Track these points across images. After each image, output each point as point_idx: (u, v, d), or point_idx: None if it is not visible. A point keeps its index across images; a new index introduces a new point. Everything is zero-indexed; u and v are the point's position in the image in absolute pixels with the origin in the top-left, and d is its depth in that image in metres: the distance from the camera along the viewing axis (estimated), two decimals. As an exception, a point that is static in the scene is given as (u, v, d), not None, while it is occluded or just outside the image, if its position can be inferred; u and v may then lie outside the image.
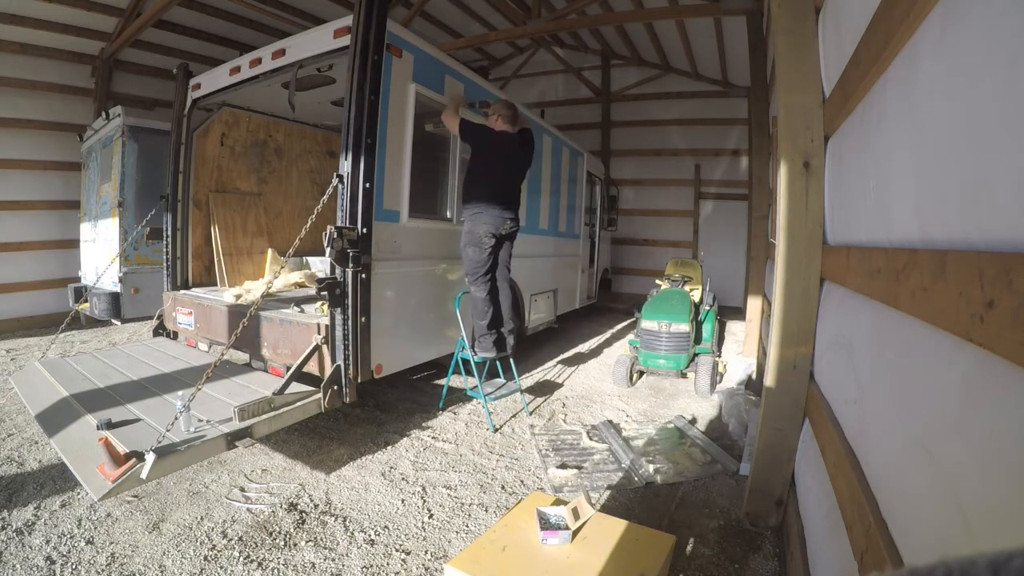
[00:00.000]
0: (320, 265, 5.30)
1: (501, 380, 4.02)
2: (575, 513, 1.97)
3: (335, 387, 2.88)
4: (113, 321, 5.71)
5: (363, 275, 2.96)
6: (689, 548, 2.27)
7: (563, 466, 2.97)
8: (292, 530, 2.30)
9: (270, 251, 4.99)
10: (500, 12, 8.10)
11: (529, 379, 4.79)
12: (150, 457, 2.03)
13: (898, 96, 1.26)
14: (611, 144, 10.17)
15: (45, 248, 6.59)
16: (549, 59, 10.40)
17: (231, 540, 2.21)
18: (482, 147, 3.56)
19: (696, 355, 4.70)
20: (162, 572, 2.00)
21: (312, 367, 3.05)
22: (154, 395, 2.85)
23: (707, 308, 5.28)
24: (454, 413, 3.85)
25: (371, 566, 2.08)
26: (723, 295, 7.10)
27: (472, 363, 3.68)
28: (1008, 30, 0.76)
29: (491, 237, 3.54)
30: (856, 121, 1.67)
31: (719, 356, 5.30)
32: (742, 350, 5.91)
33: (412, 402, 4.07)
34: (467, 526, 2.40)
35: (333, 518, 2.42)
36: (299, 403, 2.75)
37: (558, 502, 2.10)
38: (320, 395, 2.81)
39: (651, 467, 2.95)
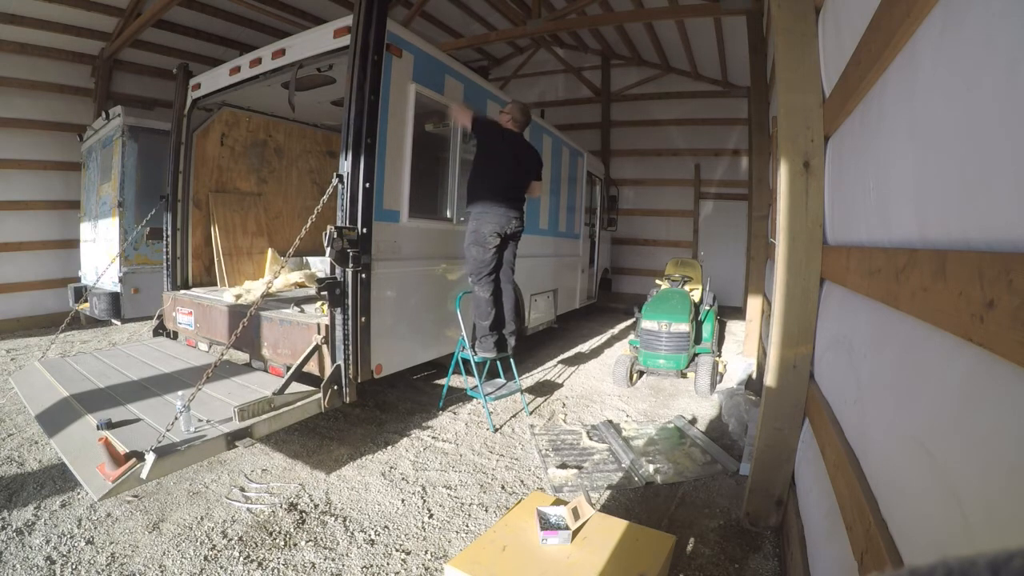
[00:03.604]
0: (320, 265, 5.30)
1: (501, 380, 4.02)
2: (575, 513, 1.97)
3: (335, 387, 2.88)
4: (113, 321, 5.71)
5: (363, 275, 2.96)
6: (689, 548, 2.27)
7: (563, 466, 2.97)
8: (292, 530, 2.30)
9: (270, 251, 4.99)
10: (500, 12, 8.10)
11: (529, 379, 4.80)
12: (150, 457, 2.03)
13: (898, 96, 1.26)
14: (611, 144, 10.18)
15: (45, 248, 6.60)
16: (549, 59, 10.40)
17: (231, 540, 2.21)
18: (494, 142, 3.52)
19: (696, 355, 4.70)
20: (162, 572, 2.00)
21: (312, 367, 3.05)
22: (154, 395, 2.85)
23: (707, 308, 5.28)
24: (454, 413, 3.85)
25: (371, 566, 2.08)
26: (723, 295, 7.10)
27: (472, 363, 3.68)
28: (1008, 30, 0.76)
29: (496, 236, 3.53)
30: (856, 121, 1.67)
31: (719, 356, 5.29)
32: (742, 350, 5.91)
33: (412, 402, 4.07)
34: (467, 526, 2.40)
35: (333, 518, 2.42)
36: (299, 403, 2.75)
37: (558, 502, 2.10)
38: (320, 395, 2.81)
39: (651, 467, 2.95)
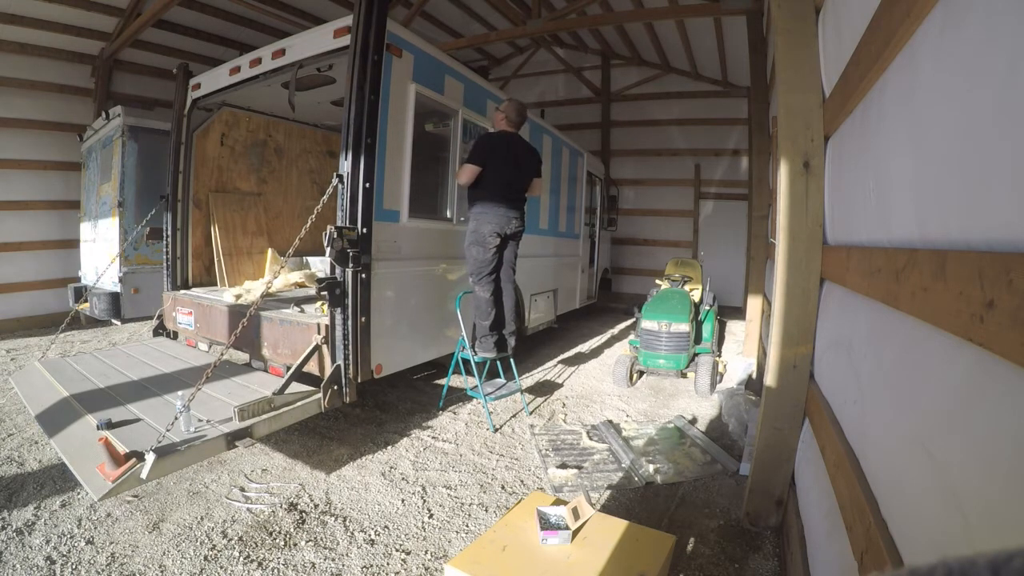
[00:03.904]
0: (320, 265, 5.30)
1: (501, 380, 4.02)
2: (575, 513, 1.97)
3: (335, 387, 2.88)
4: (113, 321, 5.71)
5: (363, 275, 2.96)
6: (689, 548, 2.27)
7: (563, 466, 2.97)
8: (292, 530, 2.30)
9: (270, 251, 4.99)
10: (500, 12, 8.10)
11: (529, 379, 4.80)
12: (150, 457, 2.03)
13: (898, 96, 1.26)
14: (611, 144, 10.18)
15: (45, 248, 6.59)
16: (549, 59, 10.40)
17: (231, 540, 2.21)
18: (488, 155, 3.52)
19: (696, 355, 4.70)
20: (162, 572, 2.00)
21: (312, 367, 3.05)
22: (154, 395, 2.85)
23: (707, 308, 5.28)
24: (454, 413, 3.85)
25: (371, 566, 2.08)
26: (723, 295, 7.10)
27: (472, 363, 3.68)
28: (1008, 30, 0.76)
29: (496, 237, 3.53)
30: (856, 121, 1.67)
31: (719, 356, 5.30)
32: (742, 350, 5.91)
33: (412, 402, 4.07)
34: (467, 526, 2.40)
35: (333, 518, 2.42)
36: (299, 403, 2.75)
37: (558, 502, 2.10)
38: (320, 395, 2.81)
39: (651, 467, 2.95)
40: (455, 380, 4.14)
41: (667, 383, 4.77)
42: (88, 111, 6.66)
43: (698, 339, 4.88)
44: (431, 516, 2.47)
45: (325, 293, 2.87)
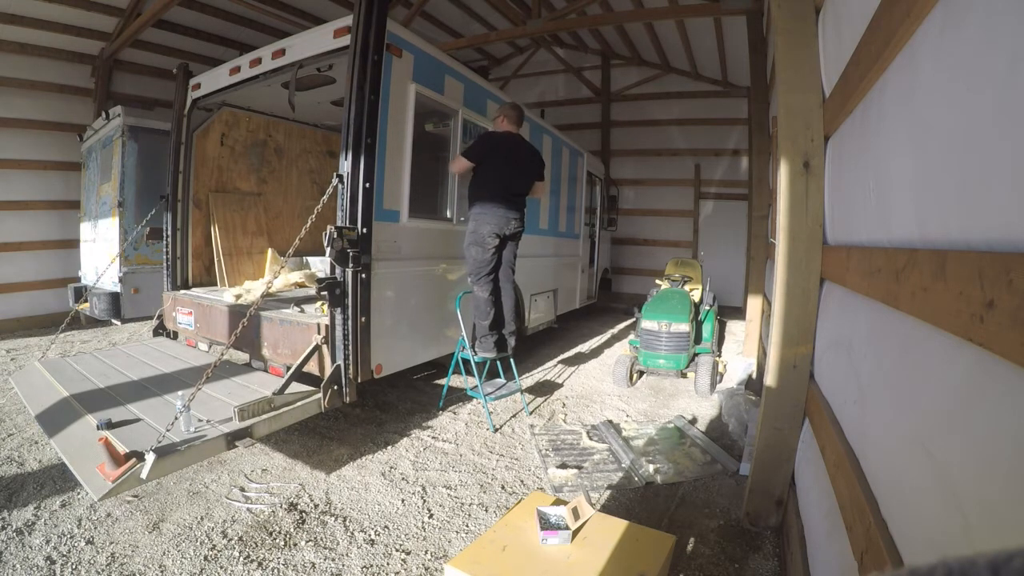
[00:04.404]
0: (320, 265, 5.30)
1: (501, 380, 4.02)
2: (575, 513, 1.97)
3: (335, 387, 2.88)
4: (113, 321, 5.71)
5: (363, 275, 2.96)
6: (689, 548, 2.27)
7: (563, 466, 2.97)
8: (292, 530, 2.30)
9: (270, 251, 4.99)
10: (500, 12, 8.10)
11: (529, 379, 4.80)
12: (150, 457, 2.03)
13: (898, 96, 1.26)
14: (611, 144, 10.18)
15: (45, 248, 6.60)
16: (549, 59, 10.41)
17: (231, 540, 2.21)
18: (487, 153, 3.53)
19: (696, 355, 4.70)
20: (162, 572, 2.00)
21: (312, 367, 3.05)
22: (154, 395, 2.85)
23: (707, 308, 5.28)
24: (454, 413, 3.85)
25: (371, 566, 2.08)
26: (723, 295, 7.10)
27: (472, 363, 3.68)
28: (1008, 30, 0.76)
29: (495, 237, 3.53)
30: (856, 121, 1.67)
31: (719, 356, 5.30)
32: (742, 350, 5.91)
33: (412, 402, 4.07)
34: (467, 526, 2.40)
35: (333, 518, 2.42)
36: (299, 403, 2.75)
37: (558, 502, 2.10)
38: (320, 395, 2.81)
39: (651, 467, 2.95)
40: (455, 380, 4.14)
41: (667, 383, 4.77)
42: (88, 111, 6.66)
43: (698, 339, 4.88)
44: (431, 516, 2.47)
45: (325, 293, 2.87)
